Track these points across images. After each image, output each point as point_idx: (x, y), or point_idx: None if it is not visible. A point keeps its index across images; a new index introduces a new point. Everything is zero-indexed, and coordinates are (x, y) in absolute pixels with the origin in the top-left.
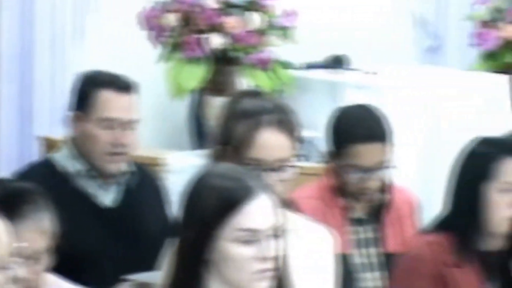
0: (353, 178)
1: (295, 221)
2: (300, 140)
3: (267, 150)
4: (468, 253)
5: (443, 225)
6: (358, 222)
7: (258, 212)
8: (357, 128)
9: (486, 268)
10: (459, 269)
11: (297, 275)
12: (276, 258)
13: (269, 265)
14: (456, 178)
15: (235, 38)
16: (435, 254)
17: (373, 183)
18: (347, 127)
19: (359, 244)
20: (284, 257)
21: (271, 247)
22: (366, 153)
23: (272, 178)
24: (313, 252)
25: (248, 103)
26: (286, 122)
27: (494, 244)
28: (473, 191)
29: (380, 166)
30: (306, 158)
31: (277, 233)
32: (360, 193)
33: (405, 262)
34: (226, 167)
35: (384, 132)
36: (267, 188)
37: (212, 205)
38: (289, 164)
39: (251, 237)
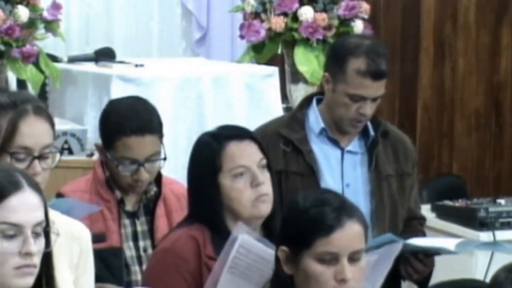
0: (125, 170)
1: (53, 217)
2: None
3: (33, 137)
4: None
5: (193, 217)
6: (133, 214)
7: (22, 206)
8: (128, 120)
9: None
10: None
11: (58, 271)
12: (39, 255)
13: (32, 261)
14: (192, 174)
15: (1, 32)
16: (195, 249)
17: (145, 175)
18: (118, 120)
19: (134, 236)
20: (49, 254)
21: (34, 243)
22: (138, 145)
23: (38, 167)
24: (71, 249)
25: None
26: (42, 108)
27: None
28: (209, 185)
29: (152, 158)
30: (72, 151)
31: (42, 229)
32: (132, 186)
33: (162, 258)
34: None
35: (155, 124)
36: (34, 183)
37: None
38: (52, 151)
39: (14, 231)
